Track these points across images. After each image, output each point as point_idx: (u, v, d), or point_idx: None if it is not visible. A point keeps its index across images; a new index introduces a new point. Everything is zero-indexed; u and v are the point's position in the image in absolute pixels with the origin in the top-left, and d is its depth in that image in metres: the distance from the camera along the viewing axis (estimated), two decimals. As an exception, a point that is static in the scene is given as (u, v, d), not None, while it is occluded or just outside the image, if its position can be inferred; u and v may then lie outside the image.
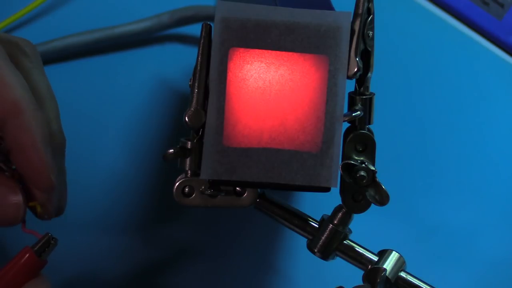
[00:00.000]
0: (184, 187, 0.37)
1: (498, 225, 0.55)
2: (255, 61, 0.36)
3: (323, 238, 0.39)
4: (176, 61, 0.54)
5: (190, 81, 0.37)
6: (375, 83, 0.38)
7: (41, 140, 0.35)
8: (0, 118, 0.35)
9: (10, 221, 0.36)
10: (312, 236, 0.40)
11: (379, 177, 0.37)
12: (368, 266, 0.39)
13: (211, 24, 0.36)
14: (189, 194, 0.37)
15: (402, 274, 0.39)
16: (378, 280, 0.38)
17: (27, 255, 0.36)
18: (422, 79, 0.56)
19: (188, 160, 0.37)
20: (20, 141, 0.35)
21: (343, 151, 0.37)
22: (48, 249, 0.37)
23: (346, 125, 0.37)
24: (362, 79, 0.38)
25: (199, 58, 0.36)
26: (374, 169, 0.37)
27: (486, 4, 0.56)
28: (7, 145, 0.35)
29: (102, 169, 0.52)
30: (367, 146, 0.38)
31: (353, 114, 0.37)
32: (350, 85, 0.37)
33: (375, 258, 0.39)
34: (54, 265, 0.39)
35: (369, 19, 0.37)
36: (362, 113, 0.37)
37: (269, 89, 0.36)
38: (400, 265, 0.39)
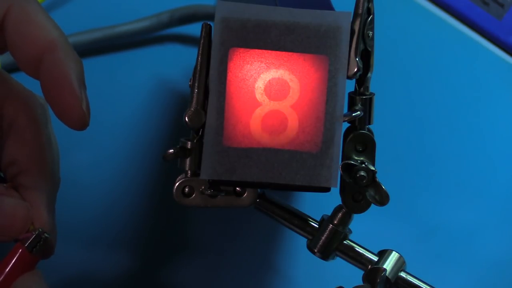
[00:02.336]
0: (184, 187, 0.37)
1: (498, 225, 0.55)
2: (255, 61, 0.36)
3: (323, 238, 0.39)
4: (176, 61, 0.54)
5: (190, 81, 0.37)
6: (375, 83, 0.38)
7: (74, 74, 0.36)
8: (37, 55, 0.36)
9: (16, 233, 0.37)
10: (312, 236, 0.40)
11: (379, 177, 0.37)
12: (368, 266, 0.39)
13: (211, 24, 0.36)
14: (189, 194, 0.37)
15: (402, 274, 0.39)
16: (378, 280, 0.38)
17: (20, 251, 0.37)
18: (422, 79, 0.56)
19: (188, 160, 0.37)
20: (53, 74, 0.36)
21: (343, 151, 0.37)
22: (40, 245, 0.37)
23: (346, 125, 0.37)
24: (362, 79, 0.37)
25: (199, 58, 0.36)
26: (374, 169, 0.37)
27: (486, 4, 0.56)
28: (43, 83, 0.36)
29: (102, 169, 0.52)
30: (367, 146, 0.38)
31: (353, 114, 0.37)
32: (350, 85, 0.37)
33: (375, 258, 0.39)
34: (52, 265, 0.39)
35: (369, 19, 0.37)
36: (362, 113, 0.37)
37: (269, 89, 0.36)
38: (400, 265, 0.39)
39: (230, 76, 0.36)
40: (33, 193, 0.38)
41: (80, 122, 0.36)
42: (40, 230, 0.37)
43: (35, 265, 0.37)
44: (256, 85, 0.36)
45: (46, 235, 0.37)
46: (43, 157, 0.38)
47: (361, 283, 0.39)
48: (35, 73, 0.36)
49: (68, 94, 0.35)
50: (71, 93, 0.35)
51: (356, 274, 0.40)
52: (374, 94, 0.38)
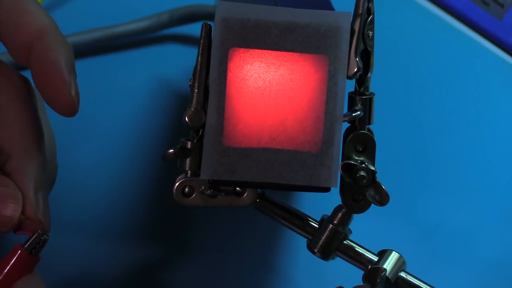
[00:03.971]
0: (184, 187, 0.37)
1: (498, 225, 0.55)
2: (255, 61, 0.36)
3: (323, 238, 0.39)
4: (176, 61, 0.54)
5: (190, 81, 0.37)
6: (375, 83, 0.38)
7: (63, 60, 0.36)
8: (28, 42, 0.36)
9: (4, 225, 0.36)
10: (312, 236, 0.40)
11: (379, 177, 0.37)
12: (368, 266, 0.39)
13: (211, 24, 0.36)
14: (189, 194, 0.37)
15: (402, 274, 0.39)
16: (378, 280, 0.38)
17: (19, 252, 0.36)
18: (422, 79, 0.56)
19: (188, 160, 0.37)
20: (43, 60, 0.36)
21: (343, 151, 0.37)
22: (39, 246, 0.37)
23: (346, 125, 0.37)
24: (362, 79, 0.37)
25: (199, 58, 0.36)
26: (374, 169, 0.37)
27: (486, 4, 0.56)
28: (33, 70, 0.36)
29: (102, 169, 0.52)
30: (367, 146, 0.38)
31: (353, 114, 0.37)
32: (350, 85, 0.37)
33: (375, 258, 0.39)
34: (53, 265, 0.39)
35: (369, 19, 0.37)
36: (362, 113, 0.37)
37: (269, 89, 0.36)
38: (400, 265, 0.39)
39: (230, 76, 0.36)
40: (18, 176, 0.37)
41: (69, 107, 0.36)
42: (39, 231, 0.37)
43: (34, 267, 0.37)
44: (256, 85, 0.36)
45: (45, 236, 0.37)
46: (27, 137, 0.37)
47: (361, 283, 0.39)
48: (26, 61, 0.36)
49: (57, 80, 0.35)
50: (60, 78, 0.35)
51: (356, 274, 0.40)
52: (374, 94, 0.38)
